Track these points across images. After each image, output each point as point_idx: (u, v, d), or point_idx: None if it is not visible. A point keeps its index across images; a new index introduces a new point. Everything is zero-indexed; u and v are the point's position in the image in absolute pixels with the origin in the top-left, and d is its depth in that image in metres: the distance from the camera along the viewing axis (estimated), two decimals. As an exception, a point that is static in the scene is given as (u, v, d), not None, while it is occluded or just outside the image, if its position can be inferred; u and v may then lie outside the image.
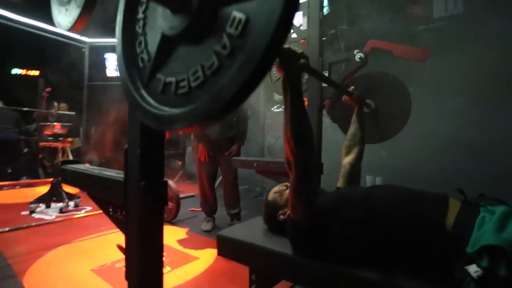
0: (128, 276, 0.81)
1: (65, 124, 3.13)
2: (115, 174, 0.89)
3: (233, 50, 0.41)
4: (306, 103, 1.77)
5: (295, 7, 0.36)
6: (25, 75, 7.56)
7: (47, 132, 3.06)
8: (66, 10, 0.89)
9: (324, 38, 1.67)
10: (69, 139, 3.15)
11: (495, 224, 0.68)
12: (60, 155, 3.18)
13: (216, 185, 2.71)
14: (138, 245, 0.77)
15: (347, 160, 1.30)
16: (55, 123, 3.08)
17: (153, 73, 0.55)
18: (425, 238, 0.77)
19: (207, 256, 1.96)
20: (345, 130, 1.46)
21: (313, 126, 1.64)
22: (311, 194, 0.89)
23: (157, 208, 0.78)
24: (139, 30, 0.59)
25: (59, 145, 3.06)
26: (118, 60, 0.61)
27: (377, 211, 0.84)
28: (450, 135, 2.59)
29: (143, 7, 0.59)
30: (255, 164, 1.92)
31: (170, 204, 2.70)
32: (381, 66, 2.96)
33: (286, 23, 0.36)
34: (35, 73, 7.37)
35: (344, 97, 1.44)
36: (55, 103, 4.16)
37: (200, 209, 2.71)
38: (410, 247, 0.80)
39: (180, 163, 5.30)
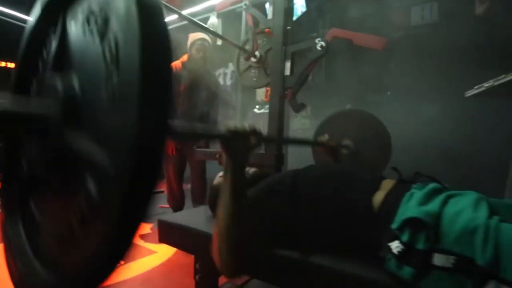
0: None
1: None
2: None
3: None
4: (268, 93, 1.73)
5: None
6: (5, 67, 7.30)
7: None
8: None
9: (288, 27, 1.64)
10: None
11: (419, 199, 0.65)
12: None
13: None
14: None
15: None
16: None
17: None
18: (353, 218, 0.73)
19: (165, 250, 1.88)
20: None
21: (275, 115, 1.60)
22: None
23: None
24: None
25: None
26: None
27: (302, 187, 0.80)
28: (422, 139, 2.62)
29: None
30: (218, 155, 1.86)
31: (136, 199, 2.59)
32: (364, 70, 3.01)
33: None
34: (12, 65, 7.12)
35: (319, 148, 1.43)
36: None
37: (168, 205, 2.62)
38: (340, 228, 0.76)
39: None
